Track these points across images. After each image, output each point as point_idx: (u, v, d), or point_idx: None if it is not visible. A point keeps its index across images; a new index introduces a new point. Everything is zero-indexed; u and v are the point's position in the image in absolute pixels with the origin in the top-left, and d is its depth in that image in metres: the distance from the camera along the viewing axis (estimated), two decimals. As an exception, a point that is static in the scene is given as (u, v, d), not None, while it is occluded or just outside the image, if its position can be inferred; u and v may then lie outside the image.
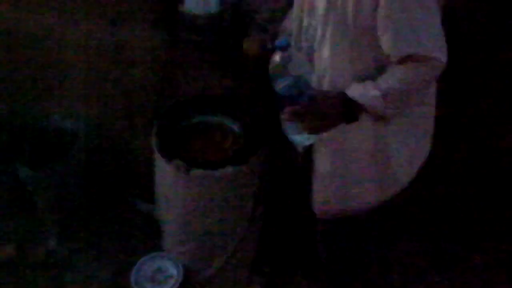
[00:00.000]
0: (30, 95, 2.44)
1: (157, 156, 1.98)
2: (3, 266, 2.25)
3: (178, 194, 1.99)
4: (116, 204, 2.48)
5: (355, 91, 1.40)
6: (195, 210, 2.00)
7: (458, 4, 2.01)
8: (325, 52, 1.43)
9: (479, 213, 2.40)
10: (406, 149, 1.59)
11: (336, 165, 1.57)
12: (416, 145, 1.62)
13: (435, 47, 1.34)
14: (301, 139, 1.50)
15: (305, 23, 1.53)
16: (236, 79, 2.14)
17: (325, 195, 1.63)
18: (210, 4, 2.03)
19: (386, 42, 1.35)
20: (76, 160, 2.25)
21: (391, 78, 1.38)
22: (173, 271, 2.12)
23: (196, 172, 1.88)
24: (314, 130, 1.44)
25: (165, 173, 1.99)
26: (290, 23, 1.67)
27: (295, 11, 1.60)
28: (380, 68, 1.42)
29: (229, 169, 1.89)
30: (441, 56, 1.34)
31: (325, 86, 1.46)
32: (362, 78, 1.43)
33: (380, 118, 1.44)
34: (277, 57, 1.38)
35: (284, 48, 1.36)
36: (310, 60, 1.52)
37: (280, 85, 1.38)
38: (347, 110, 1.41)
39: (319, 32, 1.45)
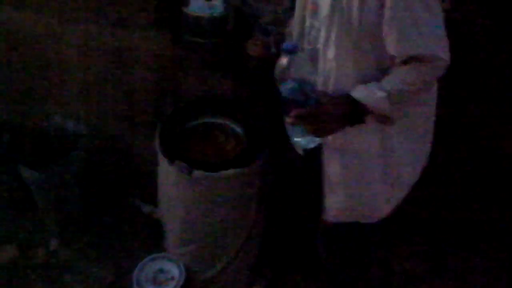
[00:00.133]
0: (32, 95, 2.44)
1: (160, 157, 1.99)
2: (4, 267, 2.25)
3: (180, 196, 1.99)
4: (118, 205, 2.48)
5: (360, 92, 1.40)
6: (197, 211, 2.00)
7: (459, 5, 2.03)
8: (330, 53, 1.44)
9: (480, 216, 2.41)
10: (409, 149, 1.59)
11: (345, 168, 1.57)
12: (418, 145, 1.62)
13: (439, 47, 1.35)
14: (305, 142, 1.50)
15: (307, 24, 1.53)
16: (239, 81, 2.14)
17: (336, 200, 1.63)
18: (214, 7, 2.03)
19: (390, 42, 1.35)
20: (78, 160, 2.25)
21: (396, 79, 1.39)
22: (175, 272, 2.13)
23: (199, 173, 1.88)
24: (319, 133, 1.44)
25: (167, 174, 1.99)
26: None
27: (296, 13, 1.60)
28: (383, 69, 1.43)
29: (231, 171, 1.89)
30: (445, 56, 1.36)
31: (330, 87, 1.46)
32: (365, 80, 1.43)
33: (385, 119, 1.45)
34: (284, 61, 1.38)
35: (291, 52, 1.36)
36: (313, 61, 1.52)
37: (286, 89, 1.38)
38: (352, 112, 1.42)
39: (323, 33, 1.45)
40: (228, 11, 2.07)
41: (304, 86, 1.37)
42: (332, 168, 1.59)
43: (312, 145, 1.52)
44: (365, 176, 1.58)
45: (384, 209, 1.66)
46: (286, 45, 1.37)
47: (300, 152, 1.55)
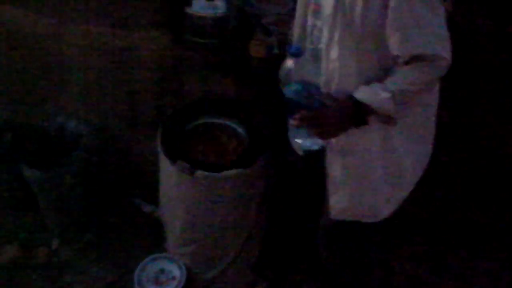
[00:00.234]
0: (33, 95, 2.44)
1: (161, 157, 1.99)
2: (5, 266, 2.25)
3: (181, 196, 1.99)
4: (119, 205, 2.48)
5: (364, 94, 1.41)
6: (199, 211, 2.00)
7: (460, 5, 2.03)
8: (333, 53, 1.44)
9: (481, 216, 2.41)
10: (410, 150, 1.60)
11: (346, 169, 1.57)
12: (419, 146, 1.63)
13: (441, 47, 1.36)
14: (308, 144, 1.49)
15: (310, 24, 1.53)
16: (241, 82, 2.14)
17: (338, 199, 1.64)
18: (217, 7, 2.03)
19: (394, 42, 1.36)
20: (80, 160, 2.24)
21: (399, 79, 1.40)
22: (176, 272, 2.13)
23: (200, 174, 1.88)
24: (324, 135, 1.44)
25: (169, 174, 1.99)
26: None
27: (298, 13, 1.60)
28: (385, 69, 1.44)
29: (233, 172, 1.90)
30: (447, 55, 1.37)
31: (333, 87, 1.47)
32: (368, 80, 1.44)
33: (388, 119, 1.45)
34: (289, 63, 1.37)
35: (296, 54, 1.36)
36: (315, 62, 1.52)
37: (290, 91, 1.38)
38: (356, 114, 1.43)
39: (325, 33, 1.45)
40: (230, 11, 2.07)
41: (308, 88, 1.38)
42: (334, 168, 1.60)
43: (315, 148, 1.52)
44: (366, 177, 1.58)
45: (385, 209, 1.67)
46: (291, 47, 1.37)
47: (300, 153, 1.56)
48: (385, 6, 1.33)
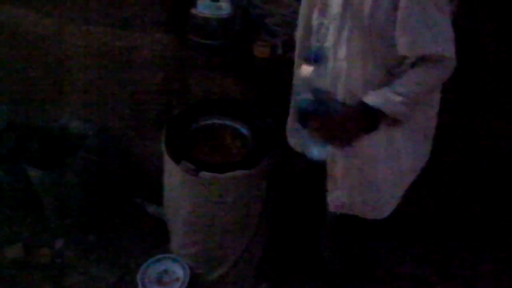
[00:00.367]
0: (37, 96, 2.44)
1: (166, 158, 1.99)
2: (9, 266, 2.25)
3: (186, 196, 1.99)
4: (123, 206, 2.48)
5: (375, 99, 1.40)
6: (203, 212, 2.00)
7: (463, 6, 2.03)
8: (341, 53, 1.44)
9: (486, 219, 2.41)
10: (412, 150, 1.60)
11: (350, 169, 1.57)
12: (420, 145, 1.63)
13: (448, 48, 1.37)
14: (317, 153, 1.48)
15: (316, 22, 1.52)
16: (245, 82, 2.14)
17: (338, 195, 1.64)
18: (221, 8, 2.03)
19: (403, 42, 1.36)
20: (84, 161, 2.25)
21: (408, 82, 1.40)
22: (180, 273, 2.13)
23: (205, 174, 1.88)
24: (339, 143, 1.43)
25: (173, 175, 1.99)
26: None
27: (302, 11, 1.59)
28: (390, 71, 1.44)
29: (237, 172, 1.89)
30: (453, 56, 1.37)
31: (340, 88, 1.46)
32: (374, 81, 1.44)
33: (395, 122, 1.45)
34: (306, 70, 1.35)
35: (318, 60, 1.33)
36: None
37: (302, 100, 1.35)
38: (369, 120, 1.42)
39: (332, 32, 1.45)
40: (235, 12, 2.07)
41: (320, 96, 1.35)
42: (335, 169, 1.60)
43: (324, 157, 1.51)
44: (368, 177, 1.59)
45: (387, 207, 1.68)
46: (312, 53, 1.35)
47: (313, 160, 1.53)
48: (395, 6, 1.33)
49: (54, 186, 2.23)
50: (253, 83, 2.12)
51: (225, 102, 2.18)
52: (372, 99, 1.41)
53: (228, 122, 2.11)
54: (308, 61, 1.34)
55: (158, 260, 2.16)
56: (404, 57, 1.39)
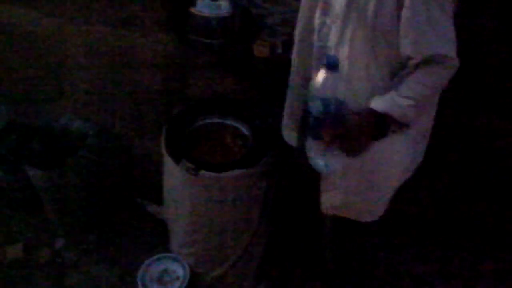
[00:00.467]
0: (38, 96, 2.45)
1: (165, 157, 1.99)
2: (9, 266, 2.25)
3: (186, 196, 1.99)
4: (123, 205, 2.48)
5: (384, 105, 1.39)
6: (203, 211, 2.00)
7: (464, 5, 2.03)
8: (343, 53, 1.43)
9: (488, 218, 2.40)
10: (412, 150, 1.61)
11: (347, 173, 1.57)
12: (418, 145, 1.63)
13: (451, 48, 1.36)
14: (323, 164, 1.45)
15: (318, 21, 1.51)
16: (245, 82, 2.14)
17: (332, 196, 1.65)
18: (221, 7, 2.03)
19: (408, 43, 1.35)
20: (84, 161, 2.25)
21: (414, 85, 1.38)
22: (180, 272, 2.13)
23: (205, 174, 1.88)
24: (353, 152, 1.40)
25: (173, 174, 1.99)
26: None
27: (302, 9, 1.58)
28: (392, 72, 1.43)
29: (237, 172, 1.89)
30: (456, 56, 1.36)
31: (342, 88, 1.46)
32: (376, 82, 1.43)
33: (405, 126, 1.44)
34: (321, 77, 1.29)
35: (334, 67, 1.27)
36: (320, 60, 1.51)
37: (314, 109, 1.31)
38: (379, 126, 1.41)
39: (335, 31, 1.44)
40: (235, 11, 2.07)
41: (330, 105, 1.31)
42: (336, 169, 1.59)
43: (331, 169, 1.49)
44: (368, 176, 1.59)
45: (382, 207, 1.67)
46: (329, 58, 1.28)
47: (323, 171, 1.51)
48: (400, 6, 1.32)
49: (54, 186, 2.23)
50: (253, 82, 2.12)
51: (225, 101, 2.18)
52: (380, 104, 1.39)
53: (228, 122, 2.10)
54: (325, 67, 1.29)
55: (158, 260, 2.16)
56: (408, 58, 1.38)
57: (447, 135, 1.80)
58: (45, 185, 2.23)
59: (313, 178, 1.72)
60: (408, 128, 1.46)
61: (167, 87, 2.25)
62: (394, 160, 1.57)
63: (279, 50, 2.02)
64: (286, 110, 1.76)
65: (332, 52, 1.46)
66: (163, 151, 1.99)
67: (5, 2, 2.32)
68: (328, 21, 1.48)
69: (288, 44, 1.98)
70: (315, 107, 1.30)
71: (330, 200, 1.66)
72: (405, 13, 1.32)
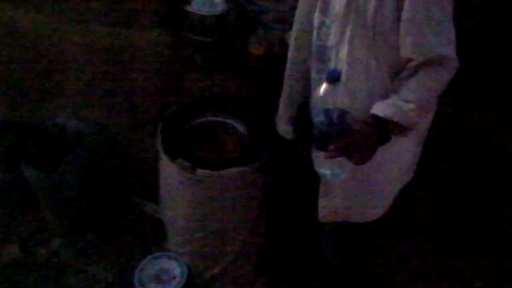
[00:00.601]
0: (34, 95, 2.44)
1: (162, 156, 1.98)
2: (6, 266, 2.24)
3: (182, 194, 1.99)
4: (120, 204, 2.47)
5: (387, 110, 1.37)
6: (200, 210, 2.00)
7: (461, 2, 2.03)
8: (343, 54, 1.42)
9: (484, 215, 2.41)
10: (412, 152, 1.60)
11: (352, 172, 1.55)
12: (416, 147, 1.63)
13: (452, 49, 1.35)
14: (329, 174, 1.44)
15: (317, 20, 1.50)
16: (241, 79, 2.14)
17: (331, 201, 1.64)
18: (216, 5, 2.03)
19: (408, 45, 1.34)
20: (80, 160, 2.24)
21: (416, 88, 1.37)
22: (177, 271, 2.11)
23: (201, 172, 1.88)
24: (360, 161, 1.37)
25: (170, 173, 1.98)
26: None
27: (301, 8, 1.57)
28: (393, 75, 1.42)
29: (234, 170, 1.89)
30: (456, 56, 1.35)
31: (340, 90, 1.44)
32: (375, 84, 1.42)
33: (408, 130, 1.42)
34: (324, 90, 1.27)
35: (335, 80, 1.26)
36: (320, 59, 1.51)
37: (316, 120, 1.30)
38: (382, 132, 1.39)
39: (334, 31, 1.44)
40: (231, 9, 2.07)
41: (333, 115, 1.29)
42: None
43: (338, 178, 1.48)
44: (369, 178, 1.58)
45: (382, 208, 1.68)
46: (332, 74, 1.26)
47: (328, 178, 1.50)
48: (400, 7, 1.31)
49: (51, 185, 2.22)
50: (249, 79, 2.12)
51: (221, 99, 2.18)
52: (382, 110, 1.37)
53: (224, 119, 2.10)
54: (327, 80, 1.26)
55: (156, 258, 2.15)
56: (408, 60, 1.37)
57: (444, 132, 1.80)
58: (41, 185, 2.22)
59: (312, 178, 1.72)
60: (411, 131, 1.45)
61: (163, 85, 2.25)
62: (395, 162, 1.57)
63: (275, 48, 2.02)
64: (282, 104, 1.75)
65: (332, 53, 1.45)
66: (159, 149, 1.98)
67: (4, 1, 2.31)
68: (327, 20, 1.47)
69: (284, 41, 1.98)
70: (319, 119, 1.29)
71: (330, 205, 1.65)
72: (405, 14, 1.31)
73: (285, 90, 1.71)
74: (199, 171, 1.88)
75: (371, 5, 1.34)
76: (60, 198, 2.26)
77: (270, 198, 2.09)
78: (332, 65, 1.45)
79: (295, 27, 1.61)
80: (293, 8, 1.68)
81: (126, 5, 2.18)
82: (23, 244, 2.31)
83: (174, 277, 2.11)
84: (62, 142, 2.30)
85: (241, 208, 2.01)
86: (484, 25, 2.24)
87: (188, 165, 1.89)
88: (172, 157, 1.92)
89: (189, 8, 2.04)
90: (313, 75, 1.55)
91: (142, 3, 2.16)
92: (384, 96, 1.40)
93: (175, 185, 1.99)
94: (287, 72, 1.68)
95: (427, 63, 1.34)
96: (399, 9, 1.32)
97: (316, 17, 1.50)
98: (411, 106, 1.35)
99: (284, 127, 1.78)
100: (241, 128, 2.08)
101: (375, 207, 1.67)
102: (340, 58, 1.43)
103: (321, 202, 1.67)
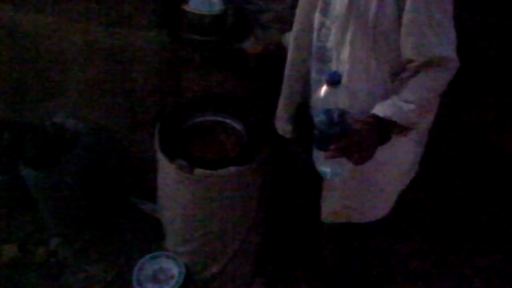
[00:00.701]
0: (32, 94, 2.44)
1: (159, 155, 1.98)
2: (4, 266, 2.25)
3: (180, 194, 1.99)
4: (118, 204, 2.47)
5: (387, 110, 1.37)
6: (197, 209, 2.00)
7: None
8: (344, 55, 1.42)
9: (483, 214, 2.41)
10: (413, 151, 1.60)
11: (351, 175, 1.55)
12: (418, 146, 1.62)
13: (452, 49, 1.34)
14: (330, 173, 1.42)
15: (317, 21, 1.49)
16: (239, 79, 2.14)
17: (333, 201, 1.64)
18: (214, 4, 2.02)
19: (409, 46, 1.34)
20: (78, 159, 2.24)
21: (418, 88, 1.37)
22: (175, 270, 2.12)
23: (199, 171, 1.88)
24: (361, 161, 1.37)
25: (167, 172, 1.98)
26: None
27: (301, 8, 1.56)
28: (394, 75, 1.42)
29: (232, 169, 1.89)
30: (457, 57, 1.35)
31: (342, 91, 1.43)
32: (376, 84, 1.42)
33: (408, 129, 1.42)
34: (324, 92, 1.27)
35: (336, 83, 1.26)
36: (320, 60, 1.51)
37: (317, 121, 1.30)
38: (382, 132, 1.39)
39: (335, 33, 1.43)
40: (228, 8, 2.06)
41: (333, 115, 1.29)
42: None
43: (338, 177, 1.48)
44: (370, 179, 1.58)
45: (384, 208, 1.67)
46: (332, 76, 1.25)
47: (328, 177, 1.50)
48: (401, 8, 1.31)
49: (49, 185, 2.23)
50: (247, 79, 2.12)
51: (219, 98, 2.17)
52: (383, 110, 1.37)
53: (222, 119, 2.10)
54: (327, 82, 1.26)
55: (154, 258, 2.15)
56: (408, 61, 1.37)
57: (443, 132, 1.79)
58: (39, 184, 2.23)
59: (312, 177, 1.72)
60: (411, 131, 1.45)
61: (161, 85, 2.25)
62: (395, 162, 1.57)
63: (272, 47, 2.02)
64: (281, 104, 1.74)
65: (332, 54, 1.44)
66: (157, 149, 1.98)
67: (3, 1, 2.31)
68: (327, 21, 1.46)
69: (280, 45, 1.98)
70: (319, 119, 1.29)
71: (331, 205, 1.65)
72: (406, 15, 1.31)
73: (285, 90, 1.71)
74: (197, 171, 1.88)
75: (372, 5, 1.33)
76: (59, 197, 2.27)
77: (268, 197, 2.09)
78: (333, 66, 1.45)
79: (295, 27, 1.60)
80: (292, 7, 1.68)
81: (125, 5, 2.18)
82: (22, 243, 2.31)
83: (172, 277, 2.11)
84: (61, 141, 2.30)
85: (239, 207, 2.01)
86: (484, 25, 2.24)
87: (186, 165, 1.89)
88: (170, 157, 1.92)
89: (187, 8, 2.03)
90: (313, 75, 1.55)
91: (140, 3, 2.16)
92: (385, 96, 1.40)
93: (173, 184, 1.99)
94: (287, 72, 1.67)
95: (427, 64, 1.34)
96: (400, 9, 1.31)
97: (317, 18, 1.49)
98: (411, 106, 1.35)
99: (283, 127, 1.78)
100: (239, 127, 2.08)
101: (375, 207, 1.67)
102: (341, 59, 1.43)
103: (323, 203, 1.66)
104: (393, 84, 1.41)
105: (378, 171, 1.55)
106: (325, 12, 1.46)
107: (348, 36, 1.40)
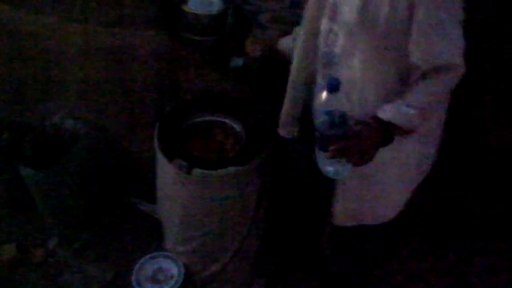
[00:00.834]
0: (31, 94, 2.44)
1: (158, 155, 1.98)
2: (3, 266, 2.24)
3: (179, 194, 1.98)
4: (117, 204, 2.47)
5: (390, 114, 1.38)
6: (196, 209, 1.99)
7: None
8: (355, 62, 1.42)
9: (482, 215, 2.40)
10: (423, 153, 1.60)
11: (363, 178, 1.56)
12: (428, 149, 1.63)
13: (459, 56, 1.34)
14: (333, 173, 1.43)
15: (324, 27, 1.49)
16: (238, 79, 2.14)
17: (346, 204, 1.64)
18: (213, 4, 2.03)
19: (417, 52, 1.34)
20: (77, 159, 2.24)
21: (422, 93, 1.37)
22: (174, 271, 2.12)
23: (198, 172, 1.88)
24: (361, 162, 1.39)
25: (166, 172, 1.98)
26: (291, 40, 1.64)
27: (309, 13, 1.56)
28: (402, 80, 1.42)
29: (231, 169, 1.89)
30: (463, 63, 1.35)
31: (354, 97, 1.44)
32: (386, 91, 1.42)
33: (411, 132, 1.43)
34: (324, 97, 1.29)
35: (334, 89, 1.27)
36: (325, 65, 1.51)
37: (318, 123, 1.32)
38: (385, 135, 1.40)
39: (342, 39, 1.43)
40: (227, 8, 2.07)
41: (334, 116, 1.30)
42: (349, 177, 1.57)
43: (340, 177, 1.49)
44: (379, 181, 1.58)
45: (394, 210, 1.68)
46: (330, 82, 1.27)
47: (330, 175, 1.51)
48: (410, 15, 1.31)
49: (47, 185, 2.23)
50: (246, 79, 2.12)
51: (218, 98, 2.17)
52: (385, 114, 1.38)
53: (221, 119, 2.10)
54: (326, 89, 1.28)
55: (153, 258, 2.15)
56: (416, 66, 1.36)
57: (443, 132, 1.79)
58: (38, 185, 2.23)
59: (313, 178, 1.72)
60: (415, 134, 1.45)
61: (159, 85, 2.25)
62: (402, 164, 1.57)
63: (271, 48, 2.02)
64: (286, 105, 1.74)
65: (341, 60, 1.44)
66: (156, 149, 1.98)
67: (3, 1, 2.31)
68: (335, 27, 1.45)
69: (276, 50, 1.98)
70: (321, 121, 1.31)
71: (344, 210, 1.66)
72: (415, 22, 1.31)
73: (290, 92, 1.71)
74: (196, 171, 1.88)
75: (383, 12, 1.33)
76: (57, 197, 2.27)
77: (268, 197, 2.08)
78: (342, 73, 1.44)
79: (303, 29, 1.60)
80: (291, 8, 1.68)
81: (124, 5, 2.18)
82: (21, 244, 2.31)
83: (171, 277, 2.11)
84: (58, 142, 2.30)
85: (239, 207, 2.01)
86: (484, 25, 2.23)
87: (185, 165, 1.88)
88: (169, 157, 1.92)
89: (186, 8, 2.04)
90: (319, 80, 1.55)
91: (140, 3, 2.16)
92: (392, 100, 1.41)
93: (173, 185, 1.99)
94: (292, 74, 1.67)
95: (435, 70, 1.35)
96: (410, 16, 1.31)
97: (324, 24, 1.48)
98: (412, 110, 1.36)
99: (288, 128, 1.77)
100: (238, 127, 2.08)
101: (386, 208, 1.67)
102: (350, 65, 1.43)
103: (335, 205, 1.66)
104: (401, 88, 1.42)
105: (383, 172, 1.55)
106: (333, 18, 1.45)
107: (358, 43, 1.39)
